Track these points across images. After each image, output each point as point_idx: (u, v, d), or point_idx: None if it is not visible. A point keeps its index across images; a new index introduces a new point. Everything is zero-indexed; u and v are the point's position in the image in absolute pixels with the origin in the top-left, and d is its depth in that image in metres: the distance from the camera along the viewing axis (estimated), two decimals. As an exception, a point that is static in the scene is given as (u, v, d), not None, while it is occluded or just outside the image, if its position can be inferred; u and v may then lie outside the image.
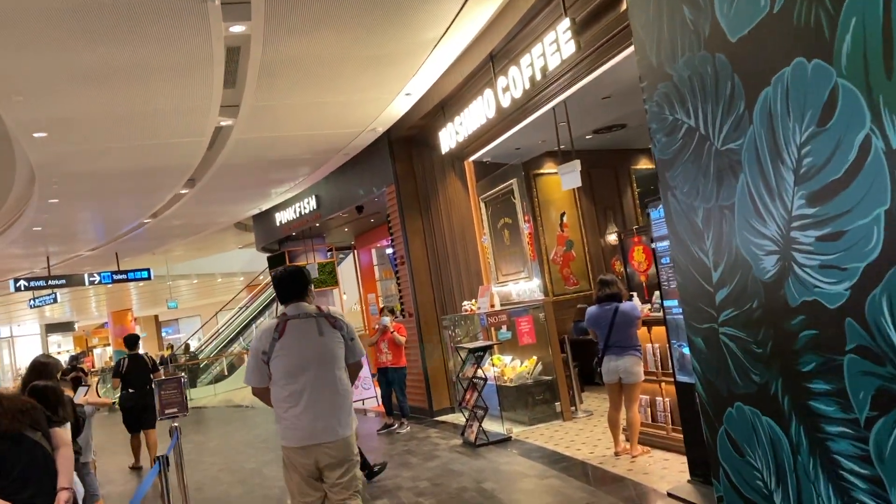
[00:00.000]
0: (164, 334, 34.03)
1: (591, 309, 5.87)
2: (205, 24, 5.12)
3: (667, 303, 4.99)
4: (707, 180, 3.12)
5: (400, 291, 10.08)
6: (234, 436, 10.75)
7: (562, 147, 7.48)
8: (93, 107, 6.64)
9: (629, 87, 5.99)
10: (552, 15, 5.92)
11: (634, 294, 6.38)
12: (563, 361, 7.60)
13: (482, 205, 9.12)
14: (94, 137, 7.63)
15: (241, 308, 23.19)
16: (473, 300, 8.41)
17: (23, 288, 15.00)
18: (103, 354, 34.31)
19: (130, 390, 8.31)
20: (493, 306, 7.95)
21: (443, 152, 8.61)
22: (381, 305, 12.36)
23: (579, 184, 6.71)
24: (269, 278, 16.24)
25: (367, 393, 10.86)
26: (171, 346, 26.06)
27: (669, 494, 4.66)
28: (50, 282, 15.16)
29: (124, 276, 15.71)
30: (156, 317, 33.09)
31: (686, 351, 4.55)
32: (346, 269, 16.74)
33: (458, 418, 8.27)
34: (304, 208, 12.28)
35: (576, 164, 6.52)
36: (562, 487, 5.24)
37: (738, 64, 2.82)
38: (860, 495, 2.51)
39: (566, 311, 8.63)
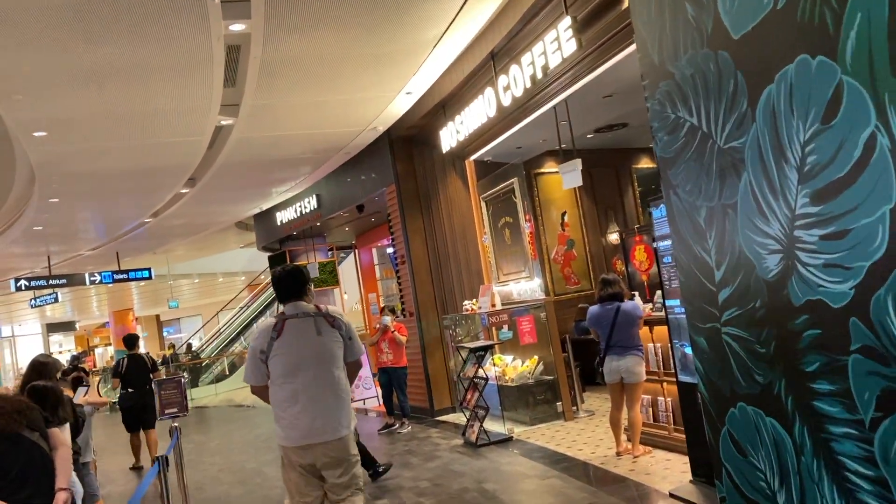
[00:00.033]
0: (165, 334, 34.05)
1: (593, 308, 5.86)
2: (205, 22, 5.11)
3: (669, 302, 4.97)
4: (709, 179, 3.09)
5: (401, 291, 10.07)
6: (234, 435, 10.75)
7: (563, 146, 7.47)
8: (93, 106, 6.63)
9: (630, 85, 5.97)
10: (553, 13, 5.90)
11: (636, 293, 6.36)
12: (564, 361, 7.59)
13: (483, 204, 9.10)
14: (94, 137, 7.61)
15: (242, 307, 23.22)
16: (474, 300, 8.39)
17: (24, 287, 15.00)
18: (104, 354, 34.34)
19: (130, 390, 8.34)
20: (493, 306, 7.94)
21: (443, 151, 8.59)
22: (382, 305, 12.35)
23: (580, 183, 6.70)
24: (270, 278, 16.23)
25: (367, 392, 10.84)
26: (173, 346, 26.09)
27: (671, 495, 4.65)
28: (51, 281, 15.17)
29: (125, 276, 15.72)
30: (157, 316, 33.12)
31: (688, 351, 4.53)
32: (347, 269, 16.74)
33: (459, 418, 8.26)
34: (305, 208, 12.27)
35: (577, 163, 6.51)
36: (563, 488, 5.22)
37: (741, 61, 2.79)
38: (865, 497, 2.48)
39: (567, 310, 8.60)
